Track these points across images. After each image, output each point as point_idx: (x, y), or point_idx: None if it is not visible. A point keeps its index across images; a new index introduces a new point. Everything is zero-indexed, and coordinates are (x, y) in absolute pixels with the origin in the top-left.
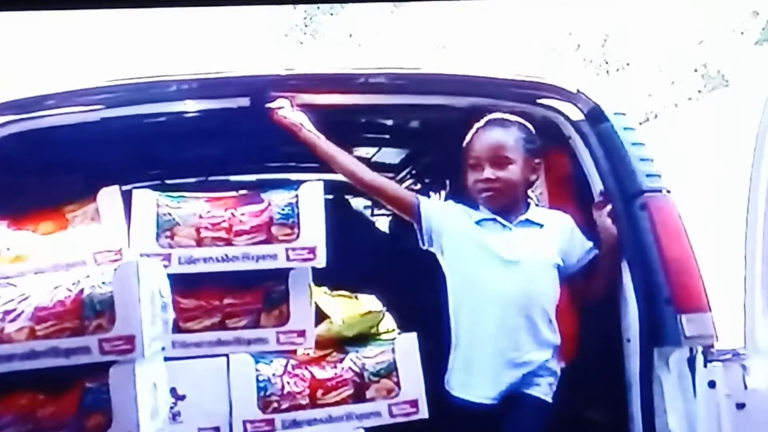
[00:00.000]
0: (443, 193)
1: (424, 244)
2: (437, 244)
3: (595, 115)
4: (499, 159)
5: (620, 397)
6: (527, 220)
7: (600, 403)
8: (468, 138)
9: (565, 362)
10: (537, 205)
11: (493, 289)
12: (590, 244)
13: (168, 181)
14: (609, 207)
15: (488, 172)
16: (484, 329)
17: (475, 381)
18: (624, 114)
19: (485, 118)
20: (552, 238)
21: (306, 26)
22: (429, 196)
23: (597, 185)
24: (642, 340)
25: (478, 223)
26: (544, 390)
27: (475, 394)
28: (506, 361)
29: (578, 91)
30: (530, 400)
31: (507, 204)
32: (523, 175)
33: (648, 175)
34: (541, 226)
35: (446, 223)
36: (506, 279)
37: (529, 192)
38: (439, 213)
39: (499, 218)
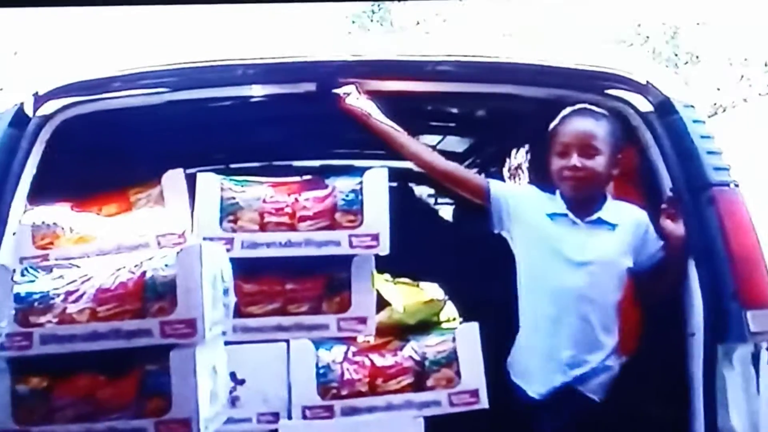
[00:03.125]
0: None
1: (494, 228)
2: (508, 229)
3: (665, 107)
4: (588, 148)
5: (682, 392)
6: (600, 219)
7: (662, 398)
8: (556, 123)
9: (627, 356)
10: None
11: (555, 287)
12: (661, 243)
13: (232, 166)
14: (676, 212)
15: (575, 160)
16: (542, 325)
17: (530, 374)
18: (693, 106)
19: (575, 106)
20: (625, 239)
21: (373, 13)
22: None
23: (664, 178)
24: (706, 335)
25: (549, 216)
26: (593, 388)
27: (527, 386)
28: (559, 361)
29: (648, 82)
30: (579, 397)
31: (586, 195)
32: (607, 169)
33: (716, 169)
34: (614, 226)
35: (518, 210)
36: (570, 280)
37: None
38: (511, 198)
39: (570, 214)
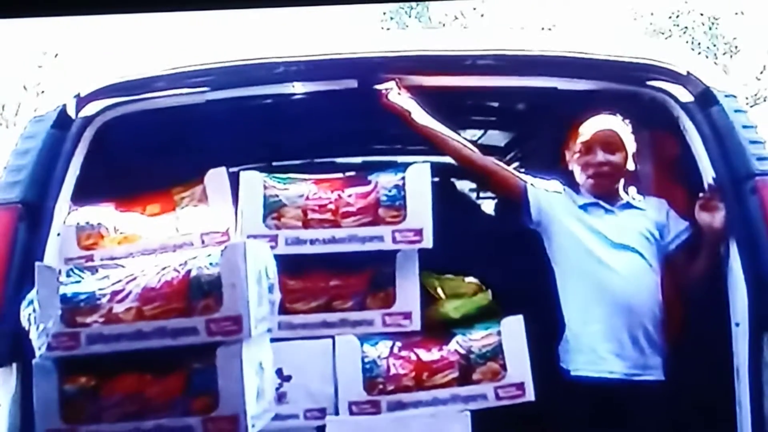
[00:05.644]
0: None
1: (528, 224)
2: (544, 225)
3: (706, 98)
4: (610, 145)
5: (728, 382)
6: (629, 203)
7: (707, 388)
8: (576, 127)
9: (672, 345)
10: (638, 192)
11: (605, 271)
12: (685, 223)
13: (275, 163)
14: (713, 202)
15: (600, 156)
16: (598, 310)
17: (598, 357)
18: (735, 96)
19: (593, 119)
20: (654, 217)
21: (411, 9)
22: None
23: (706, 168)
24: (751, 324)
25: (582, 207)
26: (658, 371)
27: (598, 369)
28: (622, 339)
29: (688, 73)
30: (647, 384)
31: (611, 189)
32: (628, 163)
33: (759, 158)
34: (643, 210)
35: (554, 205)
36: (616, 262)
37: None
38: (546, 195)
39: (602, 202)
